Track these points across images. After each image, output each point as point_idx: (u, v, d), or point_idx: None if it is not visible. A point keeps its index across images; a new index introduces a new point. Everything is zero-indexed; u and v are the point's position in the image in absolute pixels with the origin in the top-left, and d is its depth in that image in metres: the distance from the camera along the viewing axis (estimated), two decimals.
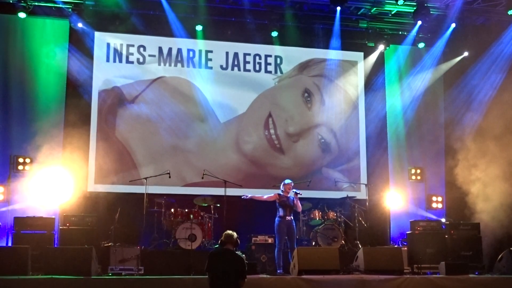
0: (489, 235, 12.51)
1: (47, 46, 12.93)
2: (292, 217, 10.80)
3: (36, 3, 12.73)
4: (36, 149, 12.28)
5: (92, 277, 9.23)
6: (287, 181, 11.00)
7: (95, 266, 9.59)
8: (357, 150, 14.27)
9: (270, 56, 14.19)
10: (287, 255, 10.77)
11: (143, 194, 11.82)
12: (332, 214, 12.52)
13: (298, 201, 10.87)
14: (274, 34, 13.80)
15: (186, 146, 13.49)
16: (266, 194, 11.13)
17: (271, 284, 9.42)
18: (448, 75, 14.57)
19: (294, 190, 10.90)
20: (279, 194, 10.82)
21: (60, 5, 12.81)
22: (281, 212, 10.69)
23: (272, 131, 13.86)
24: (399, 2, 13.05)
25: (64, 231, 11.22)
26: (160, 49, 13.70)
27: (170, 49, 13.72)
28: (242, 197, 11.07)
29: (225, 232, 7.81)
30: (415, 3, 13.28)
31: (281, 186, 10.92)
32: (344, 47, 14.24)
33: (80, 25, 13.01)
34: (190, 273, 9.93)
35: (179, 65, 13.76)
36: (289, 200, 10.77)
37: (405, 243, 12.27)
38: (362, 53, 14.64)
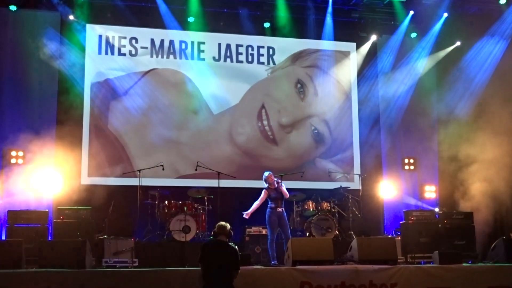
0: (482, 224, 12.57)
1: (38, 39, 12.79)
2: (283, 208, 10.78)
3: None
4: (29, 142, 12.19)
5: (87, 269, 9.21)
6: (266, 173, 10.92)
7: (89, 259, 9.55)
8: (350, 140, 14.28)
9: (263, 47, 14.15)
10: (282, 246, 10.76)
11: (136, 186, 11.79)
12: (325, 205, 12.54)
13: (282, 187, 10.81)
14: (267, 25, 13.80)
15: (179, 138, 13.47)
16: (259, 189, 10.98)
17: (265, 275, 9.39)
18: (441, 65, 14.57)
19: (275, 179, 10.90)
20: (267, 189, 10.80)
21: None
22: (272, 204, 10.69)
23: (265, 122, 13.85)
24: None
25: (58, 224, 11.21)
26: (152, 41, 13.64)
27: (162, 41, 13.66)
28: (243, 215, 10.95)
29: (218, 223, 7.81)
30: None
31: (264, 183, 10.89)
32: (337, 37, 14.25)
33: (71, 17, 12.94)
34: (184, 265, 9.92)
35: (171, 57, 13.72)
36: (277, 192, 10.76)
37: (399, 233, 12.31)
38: (354, 44, 14.64)
